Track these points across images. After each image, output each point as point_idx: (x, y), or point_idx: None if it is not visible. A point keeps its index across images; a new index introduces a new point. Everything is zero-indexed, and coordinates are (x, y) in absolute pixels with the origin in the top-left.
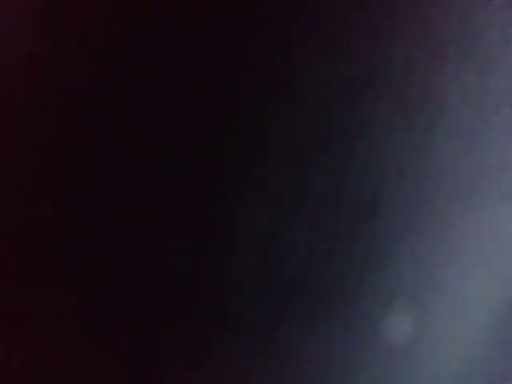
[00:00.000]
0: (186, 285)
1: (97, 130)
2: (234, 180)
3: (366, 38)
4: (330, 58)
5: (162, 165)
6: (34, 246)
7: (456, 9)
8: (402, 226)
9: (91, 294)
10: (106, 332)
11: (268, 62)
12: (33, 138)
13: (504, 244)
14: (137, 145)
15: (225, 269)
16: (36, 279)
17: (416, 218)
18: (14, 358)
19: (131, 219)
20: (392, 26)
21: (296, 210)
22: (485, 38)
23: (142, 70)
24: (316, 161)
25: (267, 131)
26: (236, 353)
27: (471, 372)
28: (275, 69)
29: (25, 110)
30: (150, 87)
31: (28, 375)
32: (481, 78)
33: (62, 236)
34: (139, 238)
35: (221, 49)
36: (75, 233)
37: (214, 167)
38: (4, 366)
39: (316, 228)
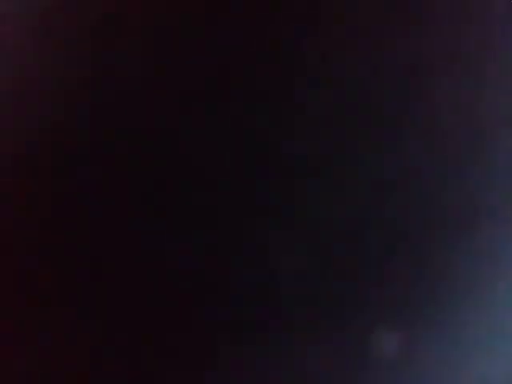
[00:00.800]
0: (186, 288)
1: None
2: (232, 190)
3: (375, 41)
4: (339, 59)
5: (165, 174)
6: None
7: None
8: (393, 240)
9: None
10: (107, 332)
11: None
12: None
13: (493, 270)
14: (142, 150)
15: (224, 275)
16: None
17: (408, 231)
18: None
19: (134, 221)
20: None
21: (293, 223)
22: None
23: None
24: (314, 174)
25: (267, 144)
26: (234, 363)
27: None
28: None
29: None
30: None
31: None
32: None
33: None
34: (140, 240)
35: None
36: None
37: (214, 177)
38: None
39: (311, 242)
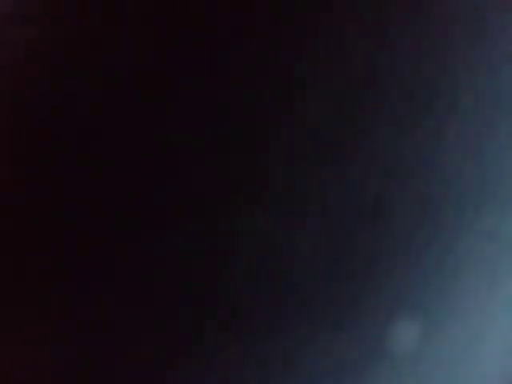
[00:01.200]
0: (187, 286)
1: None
2: (235, 181)
3: (374, 39)
4: (338, 59)
5: (163, 164)
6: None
7: (468, 8)
8: (406, 232)
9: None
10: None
11: (279, 62)
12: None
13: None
14: (136, 144)
15: (226, 272)
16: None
17: (422, 226)
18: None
19: (131, 218)
20: (400, 26)
21: (298, 214)
22: (500, 37)
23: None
24: (320, 162)
25: (268, 131)
26: (236, 357)
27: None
28: (285, 68)
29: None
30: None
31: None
32: (493, 79)
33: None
34: (137, 238)
35: (230, 46)
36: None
37: (216, 167)
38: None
39: (318, 233)
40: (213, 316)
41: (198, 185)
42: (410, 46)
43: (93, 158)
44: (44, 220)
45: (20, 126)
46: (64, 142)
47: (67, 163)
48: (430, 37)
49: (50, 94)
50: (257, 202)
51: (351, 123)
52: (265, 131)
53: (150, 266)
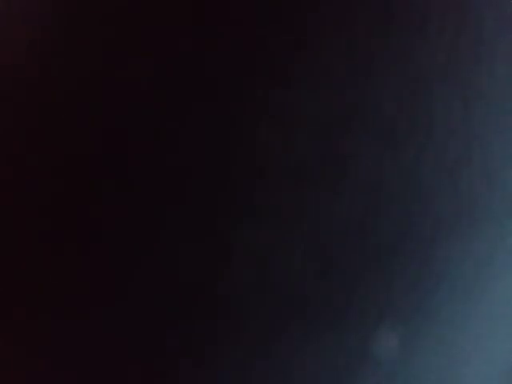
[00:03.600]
0: (184, 295)
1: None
2: (233, 194)
3: (357, 77)
4: (322, 93)
5: (163, 178)
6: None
7: (443, 48)
8: (390, 246)
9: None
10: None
11: (267, 91)
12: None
13: (491, 271)
14: (137, 157)
15: (223, 280)
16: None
17: (404, 240)
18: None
19: (131, 230)
20: (382, 65)
21: (293, 226)
22: (471, 70)
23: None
24: (312, 182)
25: (266, 150)
26: (233, 365)
27: None
28: (274, 96)
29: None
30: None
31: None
32: (466, 115)
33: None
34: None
35: (222, 74)
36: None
37: (215, 181)
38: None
39: (310, 243)
40: (209, 327)
41: (194, 197)
42: (393, 84)
43: (93, 159)
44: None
45: (20, 126)
46: (64, 142)
47: (67, 163)
48: (412, 78)
49: (49, 94)
50: (255, 217)
51: (337, 151)
52: (257, 153)
53: (144, 277)
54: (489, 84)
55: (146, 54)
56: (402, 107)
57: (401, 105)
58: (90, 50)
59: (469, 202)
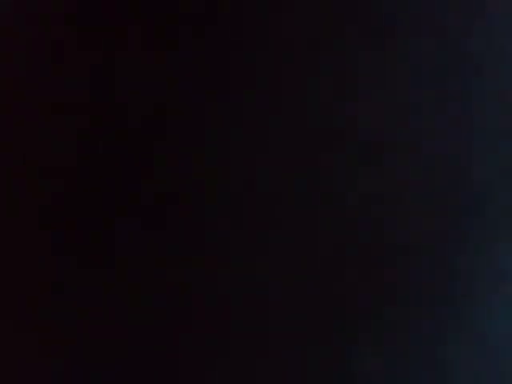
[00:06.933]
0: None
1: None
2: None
3: (345, 101)
4: (313, 114)
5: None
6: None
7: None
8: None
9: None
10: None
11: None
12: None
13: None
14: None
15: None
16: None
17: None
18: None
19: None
20: (368, 90)
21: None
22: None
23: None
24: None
25: (249, 184)
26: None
27: None
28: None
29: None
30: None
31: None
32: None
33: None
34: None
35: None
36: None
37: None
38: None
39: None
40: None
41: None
42: (376, 109)
43: (93, 159)
44: None
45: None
46: (64, 141)
47: (68, 163)
48: (394, 102)
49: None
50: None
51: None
52: (244, 183)
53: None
54: None
55: None
56: (382, 134)
57: (375, 131)
58: None
59: (452, 237)
